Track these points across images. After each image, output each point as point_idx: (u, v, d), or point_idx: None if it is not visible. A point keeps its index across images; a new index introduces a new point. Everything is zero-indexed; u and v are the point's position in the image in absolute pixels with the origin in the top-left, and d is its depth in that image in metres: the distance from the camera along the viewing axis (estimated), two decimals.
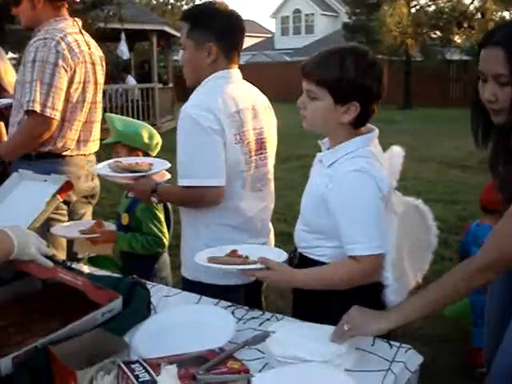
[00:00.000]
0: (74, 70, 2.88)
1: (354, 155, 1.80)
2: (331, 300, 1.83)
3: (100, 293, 1.71)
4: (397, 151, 1.93)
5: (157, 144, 2.89)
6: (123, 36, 14.70)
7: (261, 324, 1.78)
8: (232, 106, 2.16)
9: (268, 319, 1.81)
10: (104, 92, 11.58)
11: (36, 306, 1.76)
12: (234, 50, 2.24)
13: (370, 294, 1.74)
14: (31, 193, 2.41)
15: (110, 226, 2.80)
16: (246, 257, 1.85)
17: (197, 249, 2.24)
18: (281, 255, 1.90)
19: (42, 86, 2.74)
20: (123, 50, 15.20)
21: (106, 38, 17.05)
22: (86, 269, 2.28)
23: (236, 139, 2.15)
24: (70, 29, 2.97)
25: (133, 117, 15.30)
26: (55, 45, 2.81)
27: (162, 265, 2.92)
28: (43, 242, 1.73)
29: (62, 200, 2.31)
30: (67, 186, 2.32)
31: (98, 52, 3.16)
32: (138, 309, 1.74)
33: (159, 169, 2.38)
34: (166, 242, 2.85)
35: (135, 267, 2.76)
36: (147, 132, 2.85)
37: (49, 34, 2.85)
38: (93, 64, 3.04)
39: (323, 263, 1.87)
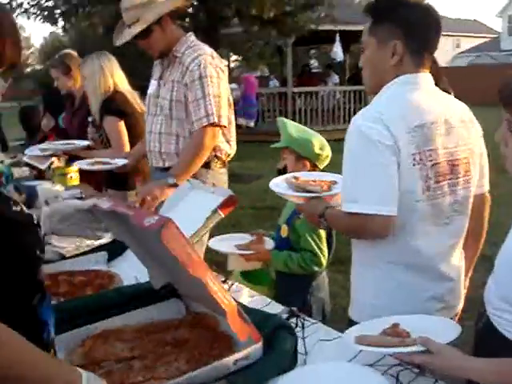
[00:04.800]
0: (226, 79, 3.02)
1: None
2: None
3: (243, 326, 1.45)
4: None
5: (326, 157, 2.66)
6: (338, 38, 14.59)
7: None
8: (414, 119, 1.76)
9: None
10: (316, 93, 11.61)
11: (170, 336, 1.58)
12: (424, 50, 1.83)
13: None
14: (197, 205, 2.27)
15: (270, 243, 2.62)
16: (408, 333, 1.47)
17: (364, 290, 1.95)
18: (453, 332, 1.47)
19: (214, 100, 2.88)
20: (337, 51, 15.10)
21: (319, 40, 17.18)
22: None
23: (414, 160, 1.75)
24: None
25: (344, 119, 15.16)
26: (211, 59, 2.94)
27: (320, 284, 2.70)
28: None
29: (223, 216, 2.12)
30: (231, 201, 2.13)
31: None
32: (278, 361, 1.46)
33: (338, 190, 2.10)
34: (324, 261, 2.61)
35: (291, 285, 2.61)
36: (319, 142, 2.64)
37: (199, 50, 2.97)
38: None
39: None
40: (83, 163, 3.49)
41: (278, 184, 2.15)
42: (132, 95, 3.80)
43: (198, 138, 2.90)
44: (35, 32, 72.02)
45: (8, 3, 9.63)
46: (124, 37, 3.00)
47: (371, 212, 1.71)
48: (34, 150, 3.87)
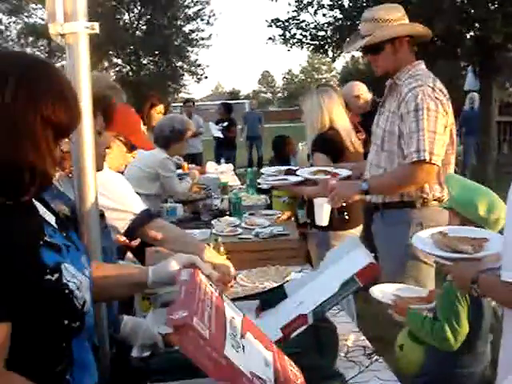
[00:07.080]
0: (448, 115, 2.81)
1: None
2: None
3: None
4: None
5: (497, 220, 2.24)
6: None
7: None
8: None
9: None
10: None
11: None
12: None
13: None
14: (345, 267, 2.13)
15: (424, 309, 2.38)
16: None
17: None
18: None
19: (429, 135, 2.71)
20: None
21: None
22: None
23: None
24: (430, 73, 2.92)
25: None
26: (431, 91, 2.77)
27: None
28: None
29: (361, 285, 1.94)
30: (372, 270, 1.93)
31: None
32: None
33: (492, 251, 1.91)
34: (454, 343, 2.18)
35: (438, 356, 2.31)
36: (486, 203, 2.25)
37: (420, 80, 2.81)
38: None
39: None
40: (305, 172, 3.37)
41: (423, 240, 2.02)
42: (347, 133, 3.75)
43: (406, 171, 2.79)
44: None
45: (281, 34, 10.26)
46: (354, 46, 3.05)
47: None
48: (267, 171, 3.85)
